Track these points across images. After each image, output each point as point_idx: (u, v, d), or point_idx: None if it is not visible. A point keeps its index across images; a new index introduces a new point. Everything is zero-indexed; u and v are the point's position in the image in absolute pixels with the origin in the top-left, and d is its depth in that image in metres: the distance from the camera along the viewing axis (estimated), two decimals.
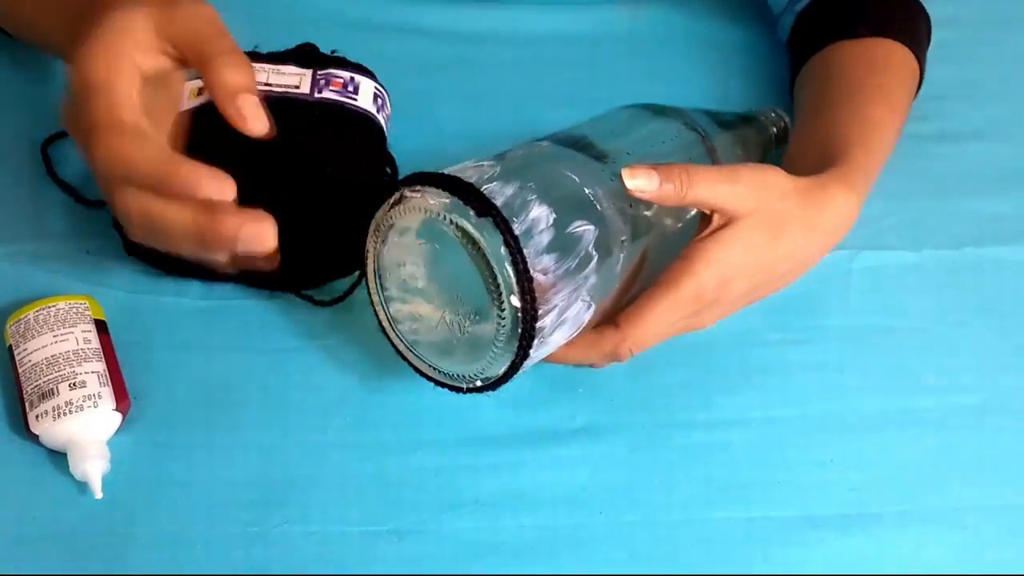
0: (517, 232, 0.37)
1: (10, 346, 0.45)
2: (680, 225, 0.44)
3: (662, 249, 0.43)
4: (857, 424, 0.47)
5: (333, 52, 0.55)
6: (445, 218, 0.38)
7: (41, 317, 0.45)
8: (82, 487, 0.43)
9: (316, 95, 0.51)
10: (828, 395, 0.48)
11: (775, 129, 0.54)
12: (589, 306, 0.40)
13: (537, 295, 0.37)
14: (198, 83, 0.52)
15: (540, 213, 0.38)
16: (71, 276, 0.49)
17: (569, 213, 0.39)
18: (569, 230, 0.39)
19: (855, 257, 0.53)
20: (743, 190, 0.42)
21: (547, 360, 0.42)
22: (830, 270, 0.52)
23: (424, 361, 0.43)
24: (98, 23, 0.40)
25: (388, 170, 0.53)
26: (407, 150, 0.53)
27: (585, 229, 0.39)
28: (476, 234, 0.37)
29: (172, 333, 0.48)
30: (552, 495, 0.44)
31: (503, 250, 0.37)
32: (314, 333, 0.48)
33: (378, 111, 0.53)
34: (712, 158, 0.48)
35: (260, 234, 0.38)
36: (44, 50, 0.51)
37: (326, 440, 0.45)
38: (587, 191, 0.41)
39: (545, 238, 0.38)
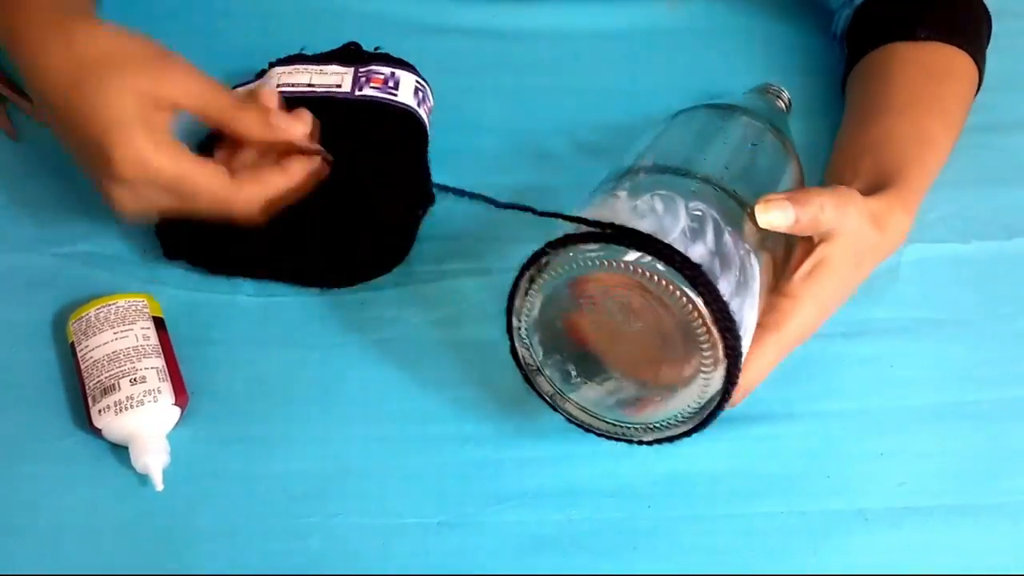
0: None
1: (72, 343, 0.47)
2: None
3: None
4: (907, 417, 0.47)
5: (376, 49, 0.56)
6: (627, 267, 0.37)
7: (102, 315, 0.47)
8: (143, 479, 0.44)
9: (357, 93, 0.52)
10: (878, 388, 0.48)
11: (783, 103, 0.53)
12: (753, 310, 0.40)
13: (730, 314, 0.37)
14: (245, 88, 0.53)
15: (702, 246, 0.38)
16: (129, 275, 0.50)
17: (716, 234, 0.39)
18: (725, 249, 0.39)
19: (904, 249, 0.52)
20: (854, 216, 0.42)
21: None
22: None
23: (600, 418, 0.42)
24: (96, 111, 0.42)
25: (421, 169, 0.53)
26: (447, 148, 0.54)
27: (734, 244, 0.39)
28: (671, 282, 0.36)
29: (227, 329, 0.49)
30: (598, 488, 0.44)
31: (697, 299, 0.36)
32: (364, 328, 0.49)
33: (419, 104, 0.53)
34: (789, 150, 0.48)
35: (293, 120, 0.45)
36: None
37: (376, 433, 0.46)
38: (714, 214, 0.40)
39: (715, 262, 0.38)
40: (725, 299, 0.37)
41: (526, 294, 0.39)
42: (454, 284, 0.51)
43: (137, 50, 0.44)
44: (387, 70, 0.53)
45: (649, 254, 0.37)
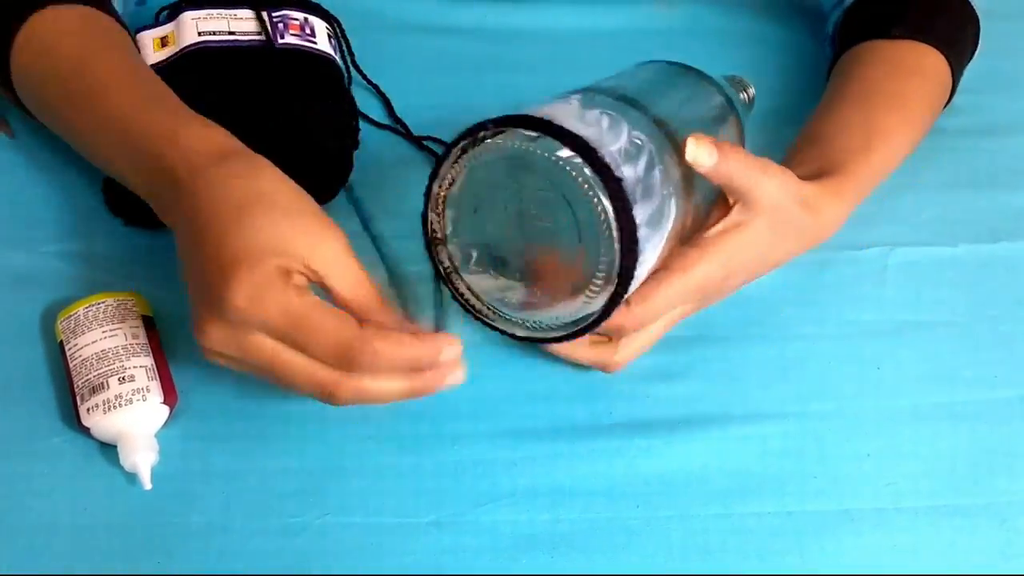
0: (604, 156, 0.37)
1: (61, 342, 0.47)
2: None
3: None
4: (894, 418, 0.47)
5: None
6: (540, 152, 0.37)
7: (91, 313, 0.47)
8: (131, 479, 0.44)
9: (279, 41, 0.53)
10: (865, 389, 0.48)
11: (746, 96, 0.54)
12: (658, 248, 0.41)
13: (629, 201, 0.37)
14: (157, 32, 0.53)
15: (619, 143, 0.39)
16: (119, 274, 0.50)
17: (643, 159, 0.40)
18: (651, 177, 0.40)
19: (891, 252, 0.53)
20: (775, 188, 0.43)
21: (558, 353, 0.44)
22: (866, 265, 0.52)
23: (510, 318, 0.42)
24: (236, 242, 0.37)
25: (347, 108, 0.54)
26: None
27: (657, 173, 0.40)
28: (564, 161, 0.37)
29: None
30: (588, 488, 0.45)
31: (589, 172, 0.37)
32: None
33: (334, 51, 0.55)
34: (740, 126, 0.49)
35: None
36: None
37: (366, 433, 0.46)
38: (647, 142, 0.41)
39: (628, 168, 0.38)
40: (636, 222, 0.37)
41: (454, 163, 0.40)
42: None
43: (305, 205, 0.39)
44: (300, 15, 0.54)
45: (581, 156, 0.37)
